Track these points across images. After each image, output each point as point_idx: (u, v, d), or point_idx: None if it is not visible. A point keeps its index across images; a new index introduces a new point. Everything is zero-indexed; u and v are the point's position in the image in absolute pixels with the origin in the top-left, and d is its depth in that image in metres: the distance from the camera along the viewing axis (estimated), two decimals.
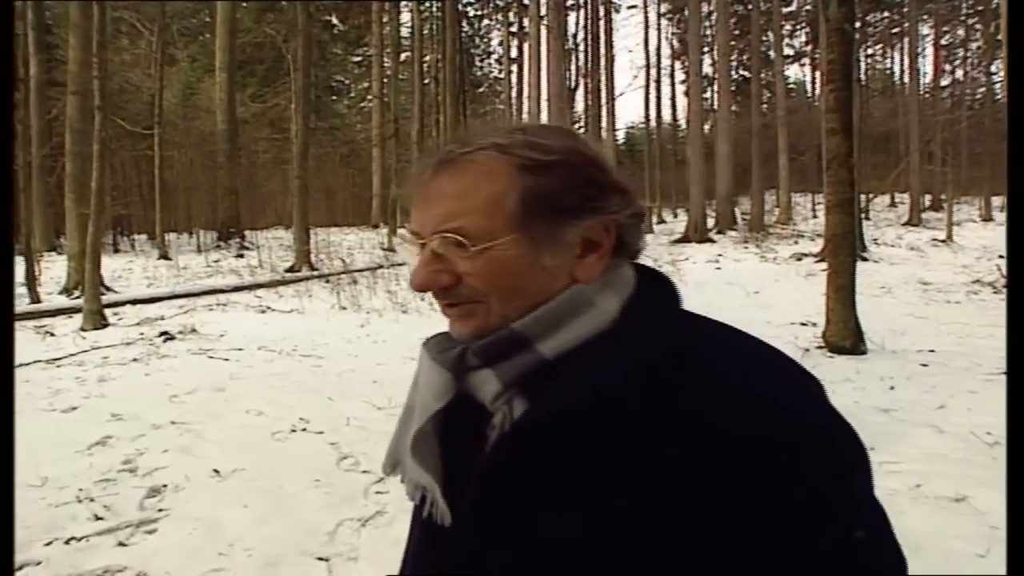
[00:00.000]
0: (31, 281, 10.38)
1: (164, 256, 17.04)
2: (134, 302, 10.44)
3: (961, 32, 32.62)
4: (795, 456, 0.59)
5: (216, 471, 3.76)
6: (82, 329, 8.19)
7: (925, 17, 30.63)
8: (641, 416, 0.61)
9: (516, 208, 0.66)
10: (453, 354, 0.71)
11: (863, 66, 34.56)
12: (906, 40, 31.24)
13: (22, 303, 10.06)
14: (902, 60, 36.62)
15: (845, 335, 6.65)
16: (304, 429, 4.48)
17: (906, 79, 31.91)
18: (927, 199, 28.33)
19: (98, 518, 3.22)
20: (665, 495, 0.59)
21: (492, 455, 0.67)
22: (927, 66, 34.57)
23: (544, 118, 27.46)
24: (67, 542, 3.00)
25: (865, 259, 14.15)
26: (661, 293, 0.72)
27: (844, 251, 6.88)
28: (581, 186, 0.67)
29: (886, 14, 34.66)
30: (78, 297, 9.69)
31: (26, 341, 7.69)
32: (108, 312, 8.88)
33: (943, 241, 18.95)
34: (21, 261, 10.88)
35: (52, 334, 8.10)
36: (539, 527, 0.63)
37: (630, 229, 0.71)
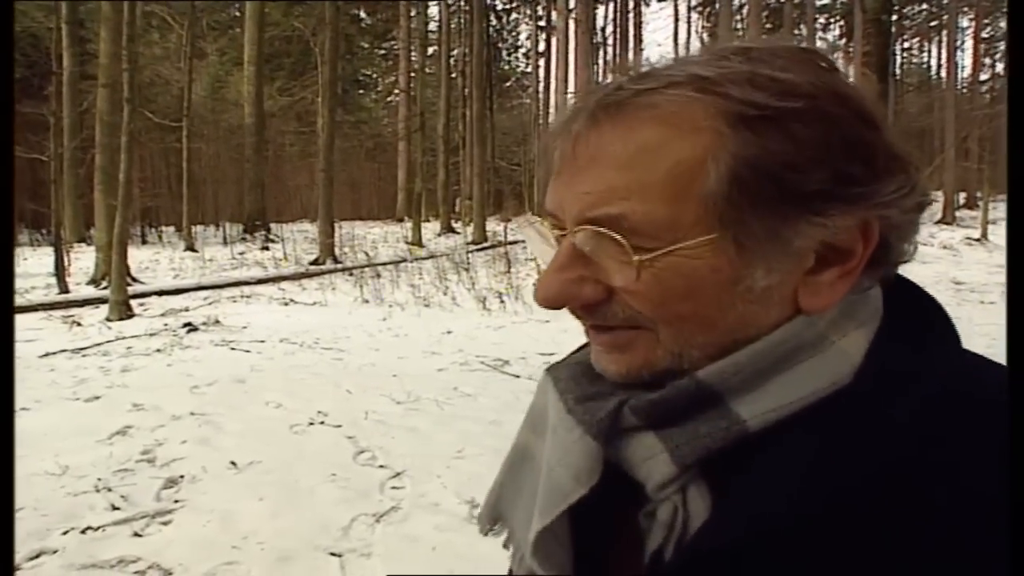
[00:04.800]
0: (60, 272, 10.54)
1: (191, 248, 17.24)
2: (160, 293, 10.57)
3: (1003, 25, 31.85)
4: None
5: (233, 463, 3.75)
6: (108, 319, 8.29)
7: (965, 9, 29.93)
8: (905, 539, 0.38)
9: (721, 189, 0.42)
10: (604, 414, 0.48)
11: (899, 60, 33.87)
12: (944, 33, 30.56)
13: (51, 293, 10.24)
14: (940, 54, 35.87)
15: None
16: (322, 422, 4.46)
17: (943, 73, 31.25)
18: (962, 197, 27.72)
19: (115, 508, 3.23)
20: None
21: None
22: (966, 60, 33.76)
23: None
24: (83, 531, 3.01)
25: None
26: (929, 325, 0.48)
27: None
28: (841, 156, 0.41)
29: (924, 6, 34.03)
30: (105, 288, 9.82)
31: (53, 330, 7.81)
32: (134, 303, 8.98)
33: (977, 240, 18.52)
34: (51, 252, 11.07)
35: (79, 324, 8.20)
36: None
37: (903, 229, 0.45)
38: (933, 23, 35.01)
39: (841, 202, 0.42)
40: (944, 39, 30.94)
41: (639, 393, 0.47)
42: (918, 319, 0.47)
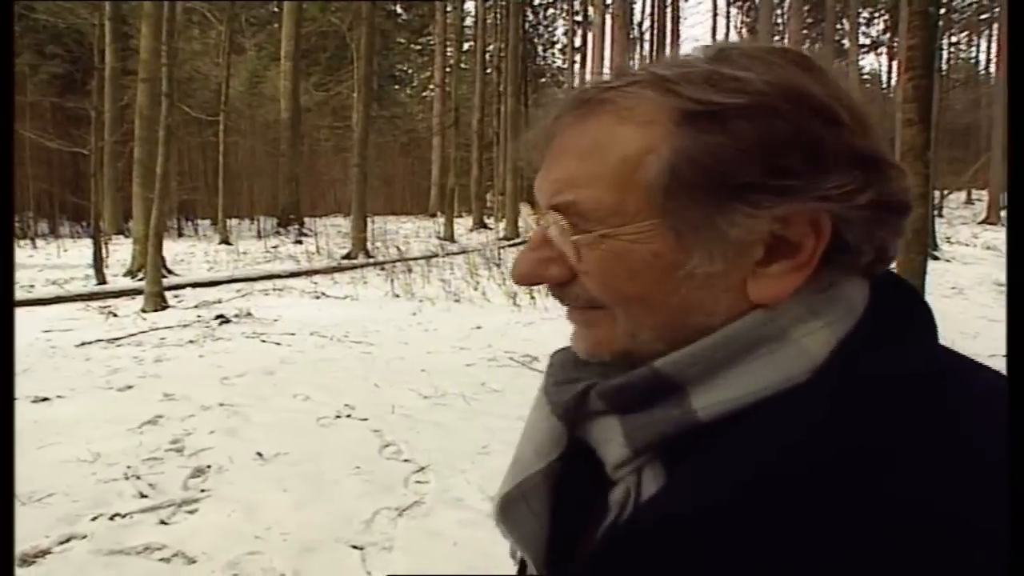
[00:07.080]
0: (98, 263, 10.75)
1: (225, 241, 17.48)
2: (194, 285, 10.71)
3: None
4: None
5: (259, 454, 3.77)
6: (143, 310, 8.43)
7: None
8: (834, 527, 0.37)
9: (659, 180, 0.44)
10: (570, 396, 0.52)
11: (945, 55, 32.93)
12: (995, 27, 29.65)
13: (89, 284, 10.46)
14: (989, 48, 34.81)
15: None
16: (349, 415, 4.47)
17: (992, 68, 30.33)
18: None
19: (143, 496, 3.26)
20: None
21: (601, 548, 0.47)
22: None
23: None
24: (112, 518, 3.05)
25: (936, 258, 13.50)
26: (905, 325, 0.46)
27: (914, 249, 6.50)
28: (779, 150, 0.42)
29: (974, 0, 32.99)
30: (141, 279, 9.99)
31: (90, 320, 7.97)
32: (169, 294, 9.12)
33: None
34: (90, 244, 11.31)
35: (115, 314, 8.35)
36: None
37: (862, 225, 0.44)
38: (983, 16, 33.96)
39: (772, 194, 0.43)
40: (994, 33, 30.03)
41: (604, 385, 0.49)
42: (897, 323, 0.46)
